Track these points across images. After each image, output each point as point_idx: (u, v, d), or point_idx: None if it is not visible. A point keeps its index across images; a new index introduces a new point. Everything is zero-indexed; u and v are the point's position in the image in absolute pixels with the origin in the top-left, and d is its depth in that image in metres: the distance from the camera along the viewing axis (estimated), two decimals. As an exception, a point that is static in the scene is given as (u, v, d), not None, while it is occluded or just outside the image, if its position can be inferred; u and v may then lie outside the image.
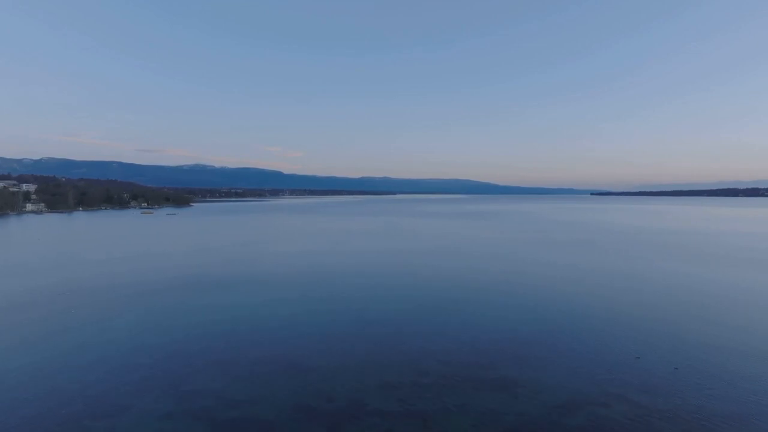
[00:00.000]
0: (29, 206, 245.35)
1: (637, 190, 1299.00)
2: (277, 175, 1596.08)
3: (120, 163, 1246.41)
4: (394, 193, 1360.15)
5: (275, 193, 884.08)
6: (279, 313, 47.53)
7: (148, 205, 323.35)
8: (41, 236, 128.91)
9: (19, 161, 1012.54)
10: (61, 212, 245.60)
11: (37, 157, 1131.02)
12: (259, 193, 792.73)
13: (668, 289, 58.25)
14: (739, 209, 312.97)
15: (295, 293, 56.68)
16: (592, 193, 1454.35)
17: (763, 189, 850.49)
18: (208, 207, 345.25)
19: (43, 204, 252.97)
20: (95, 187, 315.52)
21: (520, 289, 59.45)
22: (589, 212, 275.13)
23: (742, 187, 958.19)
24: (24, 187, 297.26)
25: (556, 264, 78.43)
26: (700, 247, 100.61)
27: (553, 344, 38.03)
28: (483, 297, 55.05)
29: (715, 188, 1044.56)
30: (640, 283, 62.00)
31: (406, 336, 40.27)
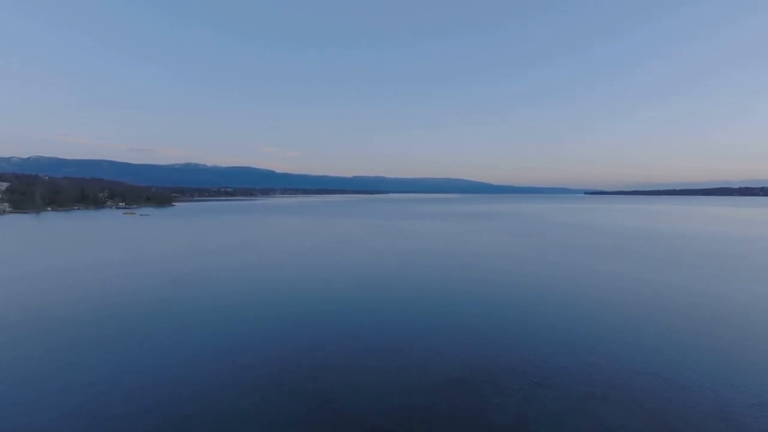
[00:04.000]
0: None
1: (631, 190, 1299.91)
2: (269, 174, 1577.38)
3: (111, 162, 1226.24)
4: (388, 193, 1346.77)
5: (266, 192, 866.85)
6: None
7: (126, 204, 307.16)
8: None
9: (7, 159, 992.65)
10: (27, 212, 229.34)
11: (25, 156, 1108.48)
12: (249, 193, 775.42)
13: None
14: (747, 209, 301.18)
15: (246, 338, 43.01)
16: (586, 193, 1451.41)
17: (757, 189, 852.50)
18: (191, 207, 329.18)
19: (7, 204, 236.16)
20: (68, 186, 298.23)
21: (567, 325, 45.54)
22: (592, 213, 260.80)
23: (734, 187, 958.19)
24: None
25: (598, 280, 64.41)
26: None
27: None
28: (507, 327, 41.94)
29: (707, 187, 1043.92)
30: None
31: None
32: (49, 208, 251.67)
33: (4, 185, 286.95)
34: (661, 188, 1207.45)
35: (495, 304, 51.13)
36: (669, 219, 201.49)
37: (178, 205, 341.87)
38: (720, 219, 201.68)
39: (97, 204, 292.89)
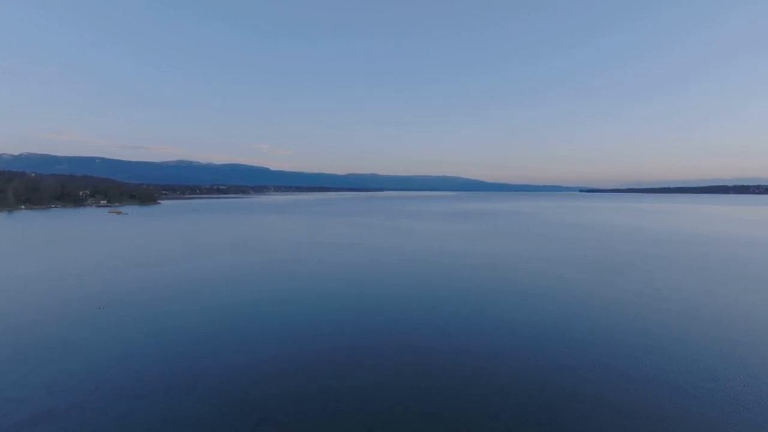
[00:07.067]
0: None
1: (626, 187, 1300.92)
2: (264, 172, 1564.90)
3: (103, 159, 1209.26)
4: (382, 190, 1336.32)
5: (260, 190, 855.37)
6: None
7: (108, 202, 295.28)
8: None
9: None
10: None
11: (17, 153, 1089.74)
12: (242, 190, 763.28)
13: None
14: (753, 208, 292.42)
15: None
16: (581, 190, 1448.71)
17: (752, 187, 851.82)
18: (177, 205, 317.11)
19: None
20: (48, 183, 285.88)
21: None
22: (594, 212, 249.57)
23: (730, 185, 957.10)
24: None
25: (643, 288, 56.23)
26: None
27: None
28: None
29: (703, 185, 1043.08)
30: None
31: None
32: (23, 207, 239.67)
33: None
34: (656, 186, 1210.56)
35: (514, 307, 47.37)
36: (677, 219, 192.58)
37: (164, 203, 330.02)
38: (733, 220, 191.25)
39: (77, 202, 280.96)
